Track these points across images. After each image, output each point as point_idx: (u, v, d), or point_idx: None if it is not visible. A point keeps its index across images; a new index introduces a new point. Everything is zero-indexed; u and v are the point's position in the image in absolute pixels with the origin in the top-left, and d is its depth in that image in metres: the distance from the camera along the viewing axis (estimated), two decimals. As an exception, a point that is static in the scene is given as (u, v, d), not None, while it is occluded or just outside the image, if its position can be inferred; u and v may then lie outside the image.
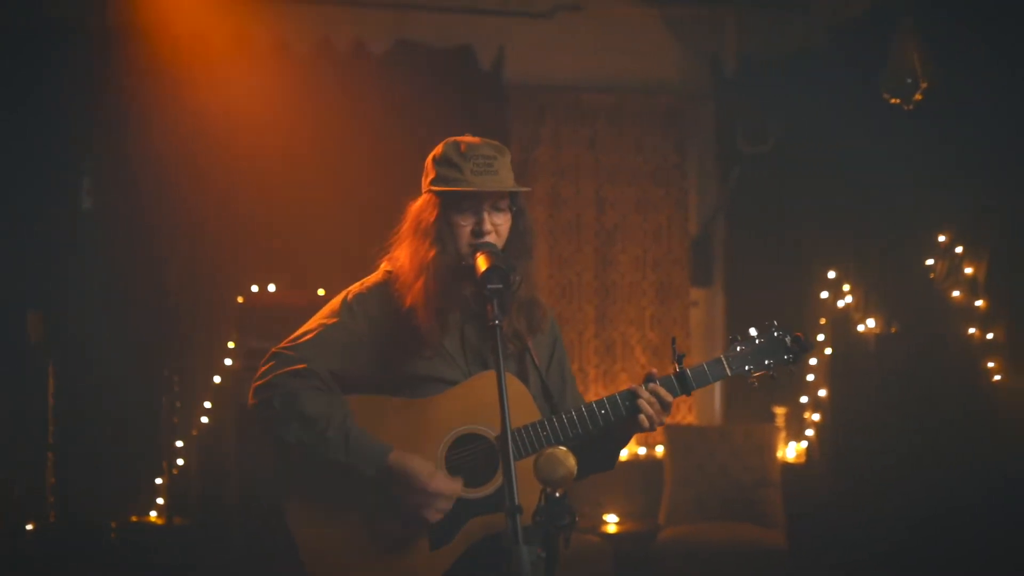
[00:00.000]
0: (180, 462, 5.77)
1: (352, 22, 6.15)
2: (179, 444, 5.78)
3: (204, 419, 5.81)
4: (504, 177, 2.59)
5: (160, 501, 5.75)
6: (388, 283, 2.65)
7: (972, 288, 4.41)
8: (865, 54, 5.08)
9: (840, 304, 5.45)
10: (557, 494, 2.20)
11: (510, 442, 2.45)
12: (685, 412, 6.57)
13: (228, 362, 5.84)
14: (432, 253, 2.56)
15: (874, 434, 5.07)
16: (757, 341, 2.65)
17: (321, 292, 5.91)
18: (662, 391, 2.56)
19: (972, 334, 4.41)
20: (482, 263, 2.37)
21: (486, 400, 2.53)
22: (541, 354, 2.73)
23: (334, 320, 2.61)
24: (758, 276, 6.31)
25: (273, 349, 2.62)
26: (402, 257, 2.65)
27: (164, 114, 5.61)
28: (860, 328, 5.21)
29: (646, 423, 2.55)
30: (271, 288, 6.00)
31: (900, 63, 3.97)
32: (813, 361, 5.69)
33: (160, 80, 5.59)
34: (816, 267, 5.64)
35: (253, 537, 5.24)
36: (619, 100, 6.67)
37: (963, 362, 4.45)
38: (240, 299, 5.88)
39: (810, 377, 5.81)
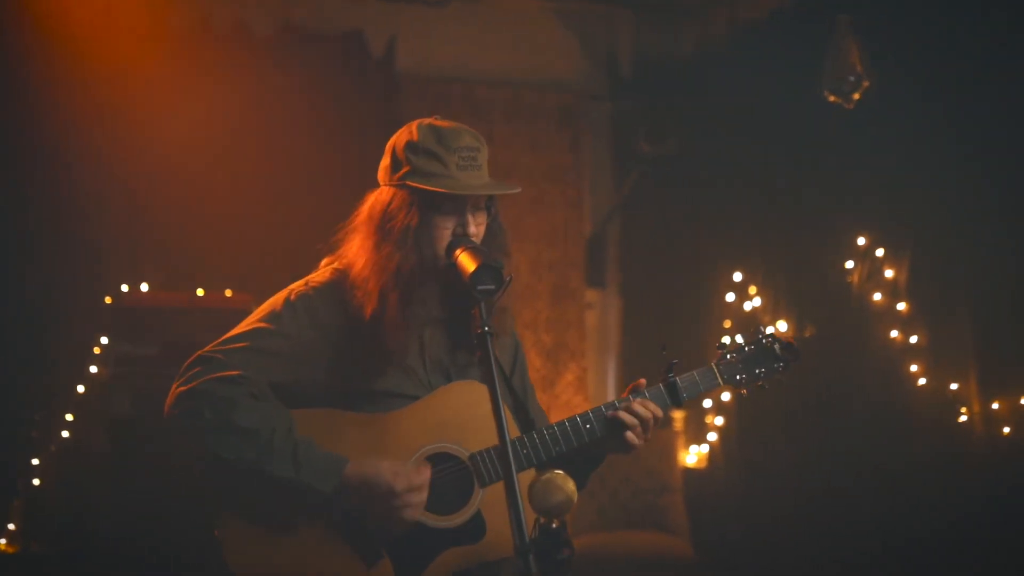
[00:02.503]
0: (36, 482, 5.14)
1: (233, 2, 5.70)
2: (35, 462, 5.16)
3: (65, 433, 5.21)
4: (486, 172, 2.31)
5: (12, 527, 5.12)
6: (339, 283, 2.31)
7: (893, 291, 4.37)
8: (770, 55, 5.03)
9: (747, 307, 5.37)
10: (553, 524, 1.93)
11: (487, 464, 2.17)
12: (581, 418, 6.38)
13: (94, 369, 5.26)
14: (403, 258, 2.23)
15: (782, 438, 5.00)
16: (747, 349, 2.47)
17: (200, 292, 5.46)
18: (652, 405, 2.32)
19: (894, 337, 4.37)
20: (468, 261, 2.06)
21: (456, 415, 2.23)
22: (505, 361, 2.45)
23: (273, 325, 2.24)
24: (656, 278, 6.21)
25: (199, 352, 2.23)
26: (357, 256, 2.31)
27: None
28: (769, 330, 5.12)
29: (633, 440, 2.31)
30: (143, 287, 5.47)
31: (841, 61, 3.89)
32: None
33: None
34: (720, 269, 5.55)
35: (126, 569, 4.70)
36: (515, 95, 6.45)
37: (884, 365, 4.41)
38: (108, 299, 5.32)
39: (713, 381, 5.70)
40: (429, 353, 2.34)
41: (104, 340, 5.21)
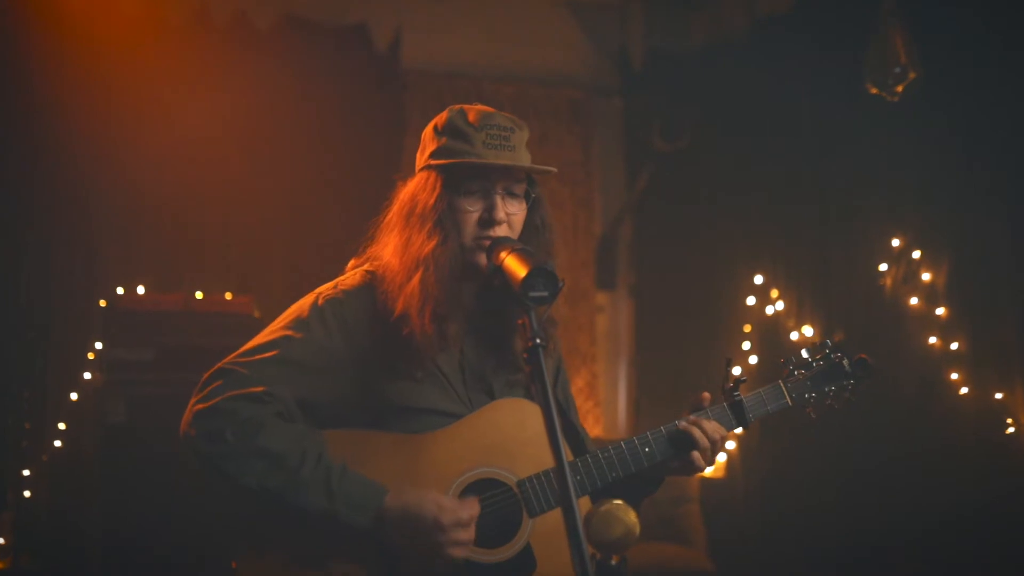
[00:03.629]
0: (27, 494, 4.90)
1: (233, -8, 5.47)
2: (26, 473, 4.91)
3: (58, 443, 4.97)
4: (522, 156, 2.09)
5: (1, 541, 4.87)
6: (371, 286, 2.09)
7: (931, 295, 4.16)
8: (794, 47, 4.84)
9: (769, 310, 5.16)
10: (613, 561, 1.73)
11: (538, 491, 1.96)
12: (592, 423, 6.18)
13: (88, 375, 5.03)
14: (432, 243, 2.03)
15: (806, 449, 4.79)
16: (815, 365, 2.25)
17: (198, 294, 5.23)
18: (719, 426, 2.11)
19: (933, 344, 4.16)
20: (517, 265, 1.84)
21: (502, 436, 2.01)
22: (548, 375, 2.23)
23: (301, 333, 2.02)
24: (669, 280, 6.00)
25: (220, 364, 2.01)
26: (388, 252, 2.09)
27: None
28: (793, 336, 4.93)
29: (700, 461, 2.09)
30: (140, 290, 5.24)
31: (885, 50, 3.67)
32: (736, 370, 5.39)
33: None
34: (740, 271, 5.34)
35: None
36: (522, 91, 6.24)
37: (922, 373, 4.20)
38: (103, 302, 5.07)
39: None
40: (469, 366, 2.12)
41: (98, 345, 4.98)
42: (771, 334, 5.17)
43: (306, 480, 1.89)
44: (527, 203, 2.12)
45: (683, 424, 2.10)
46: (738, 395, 2.17)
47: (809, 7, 4.80)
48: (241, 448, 1.90)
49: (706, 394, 2.19)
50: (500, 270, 1.90)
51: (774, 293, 5.21)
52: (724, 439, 2.13)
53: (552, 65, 6.27)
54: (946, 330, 4.16)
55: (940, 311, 4.18)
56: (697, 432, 2.08)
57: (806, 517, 4.78)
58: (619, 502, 1.76)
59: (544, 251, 2.12)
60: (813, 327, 4.78)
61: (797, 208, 4.97)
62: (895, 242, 4.35)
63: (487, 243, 2.05)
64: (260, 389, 1.94)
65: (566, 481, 1.62)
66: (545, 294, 1.78)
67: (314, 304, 2.07)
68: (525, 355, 1.74)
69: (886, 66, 3.68)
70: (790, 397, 2.24)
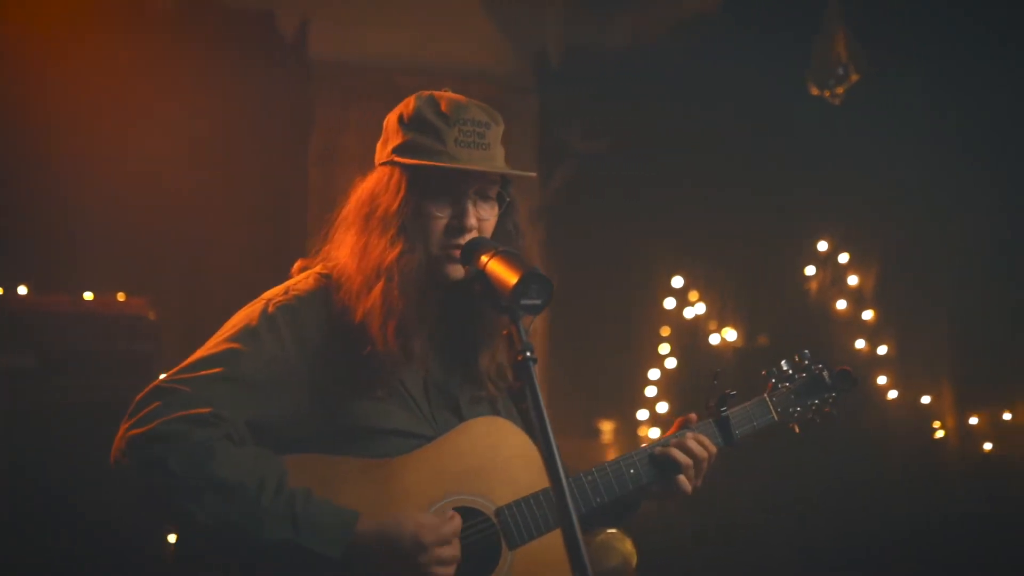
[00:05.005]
0: None
1: (125, -31, 5.10)
2: None
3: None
4: (497, 155, 1.91)
5: None
6: (326, 291, 1.87)
7: (858, 299, 4.15)
8: (719, 49, 4.78)
9: (688, 314, 5.10)
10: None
11: (518, 520, 1.77)
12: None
13: (-40, 388, 4.58)
14: (395, 252, 1.83)
15: (730, 454, 4.72)
16: (797, 377, 2.14)
17: (87, 295, 4.85)
18: (707, 442, 1.97)
19: (860, 348, 4.15)
20: (505, 270, 1.66)
21: (477, 460, 1.83)
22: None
23: (249, 346, 1.78)
24: (585, 283, 5.88)
25: (156, 383, 1.76)
26: (344, 253, 1.88)
27: None
28: (714, 339, 4.88)
29: (685, 483, 1.95)
30: (21, 290, 4.81)
31: (828, 52, 3.63)
32: (655, 374, 5.32)
33: None
34: (658, 273, 5.27)
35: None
36: (435, 85, 6.00)
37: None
38: (-22, 305, 4.65)
39: (651, 391, 5.44)
40: (433, 381, 1.92)
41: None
42: (691, 338, 5.11)
43: (266, 510, 1.66)
44: (500, 207, 1.93)
45: (659, 449, 1.96)
46: (725, 411, 2.04)
47: (736, 9, 4.75)
48: (188, 479, 1.65)
49: (693, 415, 2.06)
50: (483, 275, 1.71)
51: (694, 296, 5.16)
52: (712, 457, 2.00)
53: (467, 59, 6.08)
54: (874, 334, 4.16)
55: (868, 315, 4.18)
56: (677, 453, 1.94)
57: (735, 525, 4.72)
58: (614, 531, 1.66)
59: None
60: (736, 331, 4.73)
61: (719, 209, 4.92)
62: (822, 245, 4.33)
63: (457, 252, 1.86)
64: (206, 410, 1.70)
65: (568, 510, 1.45)
66: (538, 302, 1.61)
67: (263, 312, 1.83)
68: (511, 370, 1.57)
69: (829, 68, 3.64)
70: (776, 412, 2.13)
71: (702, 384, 5.12)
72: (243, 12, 5.38)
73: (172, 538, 4.25)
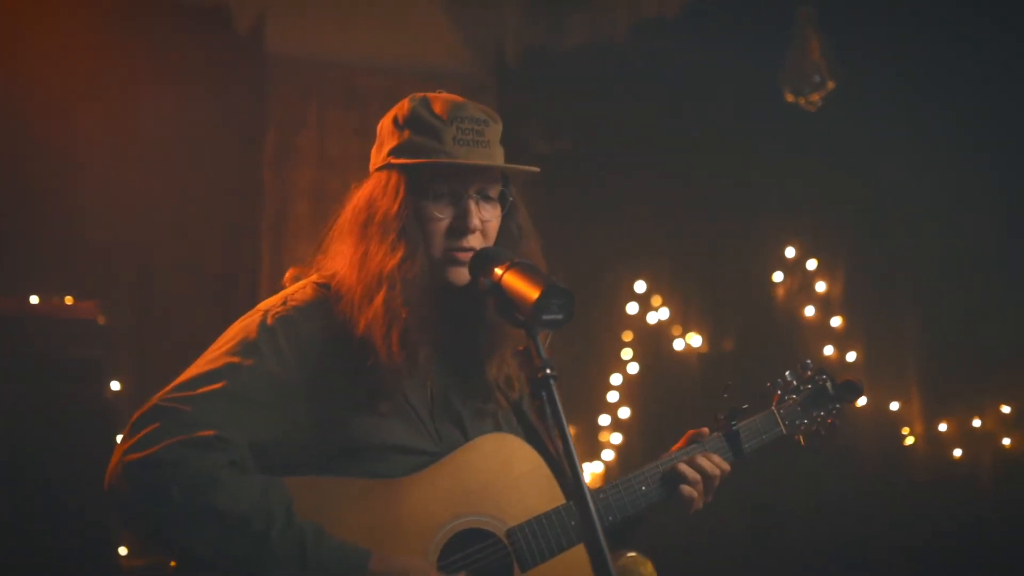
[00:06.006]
0: None
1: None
2: None
3: None
4: (497, 153, 1.84)
5: None
6: (324, 302, 1.78)
7: (826, 306, 4.16)
8: (683, 51, 4.76)
9: (651, 319, 5.07)
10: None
11: (531, 541, 1.71)
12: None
13: None
14: (396, 258, 1.76)
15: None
16: (802, 389, 2.11)
17: (33, 299, 4.65)
18: (718, 459, 1.92)
19: (828, 355, 4.16)
20: (523, 283, 1.59)
21: (488, 479, 1.76)
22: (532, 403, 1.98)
23: (250, 360, 1.68)
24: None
25: (155, 400, 1.64)
26: (342, 263, 1.79)
27: None
28: (678, 345, 4.85)
29: (692, 497, 1.90)
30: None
31: (803, 59, 3.61)
32: (617, 379, 5.29)
33: None
34: (620, 277, 5.24)
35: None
36: (395, 84, 5.91)
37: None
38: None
39: (612, 396, 5.40)
40: (438, 394, 1.84)
41: None
42: (654, 343, 5.08)
43: (275, 547, 1.56)
44: (503, 207, 1.86)
45: (671, 467, 1.91)
46: (735, 424, 1.99)
47: (698, 13, 4.73)
48: (191, 509, 1.55)
49: (705, 429, 2.01)
50: (499, 289, 1.63)
51: (657, 300, 5.13)
52: (724, 474, 1.95)
53: (426, 58, 5.99)
54: (842, 340, 4.17)
55: (836, 321, 4.19)
56: (686, 469, 1.90)
57: (694, 535, 4.70)
58: (633, 554, 1.58)
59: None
60: (701, 336, 4.71)
61: (683, 213, 4.90)
62: (790, 251, 4.33)
63: (461, 256, 1.78)
64: (209, 433, 1.60)
65: (598, 537, 1.38)
66: (560, 317, 1.54)
67: (262, 324, 1.73)
68: (526, 384, 1.50)
69: (804, 75, 3.63)
70: (784, 425, 2.09)
71: (665, 389, 5.13)
72: (197, 5, 5.22)
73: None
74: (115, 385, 4.65)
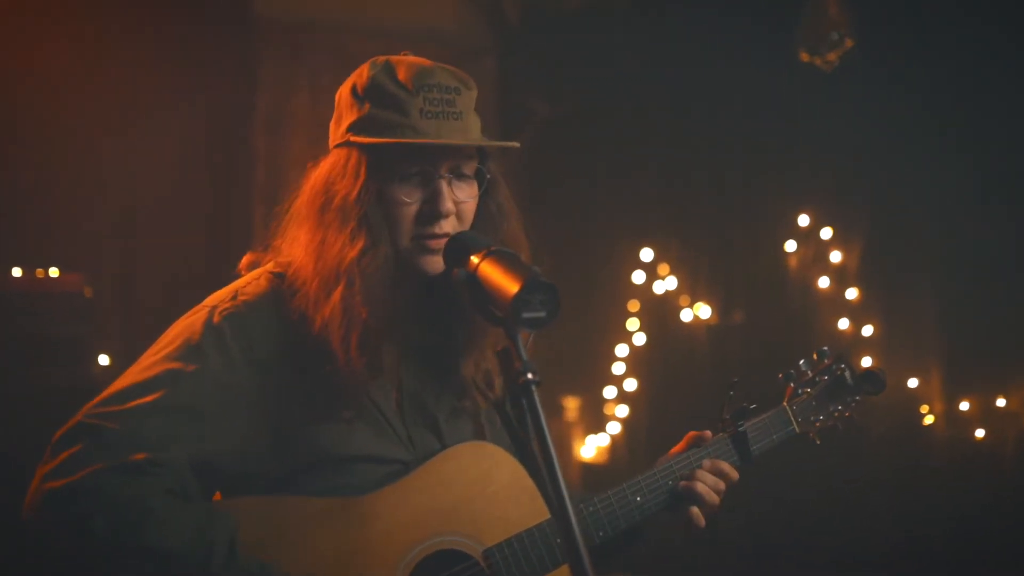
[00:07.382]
0: None
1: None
2: None
3: None
4: (472, 125, 1.63)
5: None
6: (277, 294, 1.59)
7: (841, 277, 3.96)
8: (693, 12, 4.52)
9: (658, 288, 4.88)
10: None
11: (510, 562, 1.53)
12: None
13: None
14: (356, 248, 1.57)
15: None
16: (818, 380, 1.91)
17: (16, 271, 4.51)
18: (725, 467, 1.73)
19: (844, 329, 3.96)
20: (499, 274, 1.39)
21: (464, 493, 1.59)
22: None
23: (193, 365, 1.49)
24: (547, 256, 5.63)
25: (78, 417, 1.45)
26: (299, 249, 1.59)
27: None
28: (686, 315, 4.67)
29: (699, 519, 1.71)
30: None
31: (820, 17, 3.38)
32: (623, 350, 5.12)
33: None
34: (626, 245, 5.04)
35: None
36: (388, 47, 5.64)
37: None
38: None
39: (618, 368, 5.23)
40: (408, 395, 1.65)
41: None
42: (661, 313, 4.90)
43: None
44: (480, 185, 1.66)
45: (678, 483, 1.72)
46: (742, 425, 1.80)
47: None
48: (117, 545, 1.38)
49: (707, 432, 1.82)
50: (474, 280, 1.43)
51: (664, 269, 4.94)
52: (731, 485, 1.76)
53: (421, 20, 5.77)
54: (858, 314, 3.97)
55: (852, 293, 3.99)
56: (702, 488, 1.72)
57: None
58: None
59: (508, 246, 1.66)
60: (710, 307, 4.52)
61: (692, 179, 4.69)
62: (803, 219, 4.12)
63: (433, 244, 1.59)
64: (140, 457, 1.42)
65: (581, 557, 1.20)
66: (542, 315, 1.34)
67: (207, 322, 1.54)
68: (505, 387, 1.31)
69: (821, 33, 3.40)
70: (796, 422, 1.91)
71: (672, 361, 4.95)
72: (181, -36, 5.00)
73: None
74: (103, 359, 4.51)
